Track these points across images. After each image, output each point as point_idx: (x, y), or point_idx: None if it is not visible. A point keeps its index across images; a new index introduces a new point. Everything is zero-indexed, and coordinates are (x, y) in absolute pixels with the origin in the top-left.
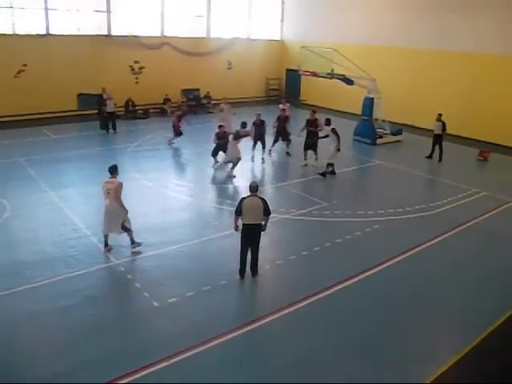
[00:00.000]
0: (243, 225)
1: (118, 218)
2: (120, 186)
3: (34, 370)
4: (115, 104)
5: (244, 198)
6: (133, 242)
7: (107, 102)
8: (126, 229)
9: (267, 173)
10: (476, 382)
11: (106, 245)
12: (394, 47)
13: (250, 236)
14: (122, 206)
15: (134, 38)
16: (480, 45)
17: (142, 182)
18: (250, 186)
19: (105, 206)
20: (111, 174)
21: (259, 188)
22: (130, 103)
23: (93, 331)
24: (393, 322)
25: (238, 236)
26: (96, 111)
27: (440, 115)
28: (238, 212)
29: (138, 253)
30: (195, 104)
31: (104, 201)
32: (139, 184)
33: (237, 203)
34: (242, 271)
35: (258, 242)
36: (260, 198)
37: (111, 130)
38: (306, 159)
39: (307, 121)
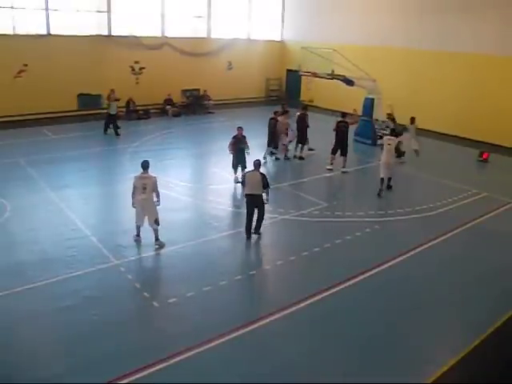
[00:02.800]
0: (246, 195)
1: (152, 211)
2: (156, 180)
3: (33, 370)
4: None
5: (247, 172)
6: (157, 238)
7: (111, 104)
8: (157, 223)
9: (267, 173)
10: (476, 383)
11: (138, 235)
12: (394, 48)
13: (252, 204)
14: (158, 197)
15: (135, 38)
16: (479, 46)
17: None
18: (253, 162)
19: (139, 199)
20: (144, 169)
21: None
22: (131, 103)
23: (93, 331)
24: (393, 323)
25: (238, 237)
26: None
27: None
28: (244, 183)
29: (161, 248)
30: (194, 104)
31: (138, 195)
32: None
33: (238, 204)
34: (247, 230)
35: (263, 209)
36: (260, 173)
37: (111, 131)
38: (332, 163)
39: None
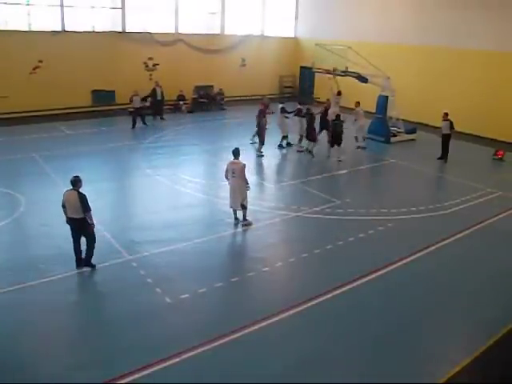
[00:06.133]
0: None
1: (240, 195)
2: (244, 167)
3: (46, 363)
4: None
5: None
6: (245, 218)
7: (134, 98)
8: (244, 207)
9: (280, 170)
10: (490, 383)
11: (236, 218)
12: (409, 45)
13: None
14: (246, 182)
15: (149, 34)
16: (495, 43)
17: (155, 179)
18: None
19: (230, 184)
20: (235, 156)
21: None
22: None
23: (105, 326)
24: (405, 322)
25: (250, 234)
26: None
27: (446, 114)
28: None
29: (248, 227)
30: (207, 101)
31: (229, 179)
32: (152, 180)
33: (251, 200)
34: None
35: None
36: (79, 192)
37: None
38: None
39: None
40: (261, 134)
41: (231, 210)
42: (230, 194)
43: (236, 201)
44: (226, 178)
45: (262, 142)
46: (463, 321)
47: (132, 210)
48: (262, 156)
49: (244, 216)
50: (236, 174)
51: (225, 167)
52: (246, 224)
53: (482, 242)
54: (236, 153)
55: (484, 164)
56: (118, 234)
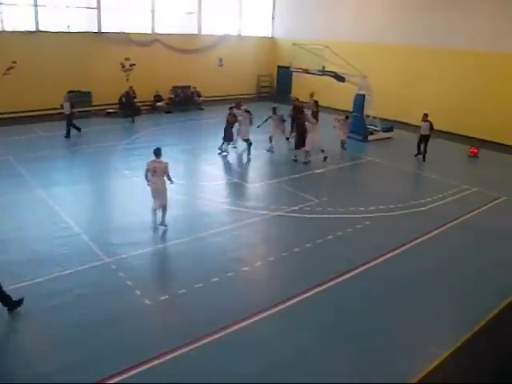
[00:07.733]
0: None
1: (161, 196)
2: (167, 166)
3: (21, 370)
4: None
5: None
6: (163, 221)
7: (64, 104)
8: (164, 208)
9: (258, 170)
10: (466, 382)
11: (155, 222)
12: (386, 44)
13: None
14: (170, 179)
15: (125, 34)
16: (470, 42)
17: (133, 180)
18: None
19: (151, 183)
20: (156, 156)
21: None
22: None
23: (84, 330)
24: (381, 320)
25: (230, 234)
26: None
27: (426, 115)
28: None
29: (164, 229)
30: (185, 101)
31: (150, 178)
32: (130, 182)
33: (230, 201)
34: (154, 212)
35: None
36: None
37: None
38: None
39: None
40: (227, 133)
41: (152, 212)
42: (152, 194)
43: (161, 200)
44: (146, 178)
45: (229, 140)
46: (439, 318)
47: (110, 211)
48: (227, 154)
49: (162, 221)
50: (157, 173)
51: (145, 167)
52: (165, 227)
53: (458, 238)
54: (157, 152)
55: (460, 161)
56: (96, 236)
